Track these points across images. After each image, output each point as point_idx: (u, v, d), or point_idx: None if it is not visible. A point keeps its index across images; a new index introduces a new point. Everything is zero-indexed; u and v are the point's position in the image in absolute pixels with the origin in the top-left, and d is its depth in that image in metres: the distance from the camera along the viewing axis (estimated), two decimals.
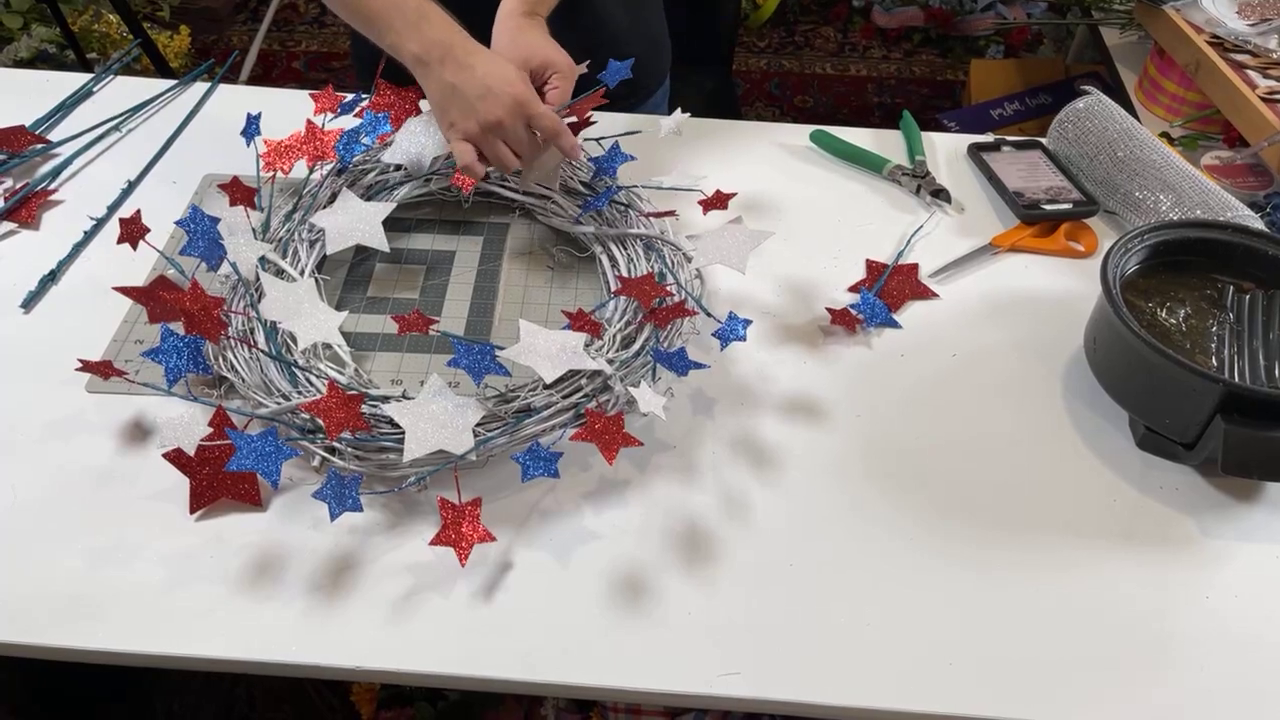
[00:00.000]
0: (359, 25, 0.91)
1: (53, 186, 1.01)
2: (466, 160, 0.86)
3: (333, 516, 0.68)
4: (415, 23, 0.86)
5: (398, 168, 0.97)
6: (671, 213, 0.93)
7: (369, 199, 0.94)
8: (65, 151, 1.05)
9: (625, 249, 0.92)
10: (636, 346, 0.81)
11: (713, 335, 0.82)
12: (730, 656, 0.67)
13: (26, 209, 0.97)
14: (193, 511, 0.73)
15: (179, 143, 1.08)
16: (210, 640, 0.66)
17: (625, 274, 0.89)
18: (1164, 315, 0.82)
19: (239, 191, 0.87)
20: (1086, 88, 1.09)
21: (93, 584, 0.69)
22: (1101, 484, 0.78)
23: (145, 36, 2.02)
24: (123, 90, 1.15)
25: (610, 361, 0.78)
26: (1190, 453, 0.77)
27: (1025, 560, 0.73)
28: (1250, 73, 1.24)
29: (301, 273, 0.87)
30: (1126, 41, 1.62)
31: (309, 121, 0.95)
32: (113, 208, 0.99)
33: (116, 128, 1.09)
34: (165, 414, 0.75)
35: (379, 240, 0.86)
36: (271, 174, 0.94)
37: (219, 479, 0.73)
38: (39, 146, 1.04)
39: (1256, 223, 0.92)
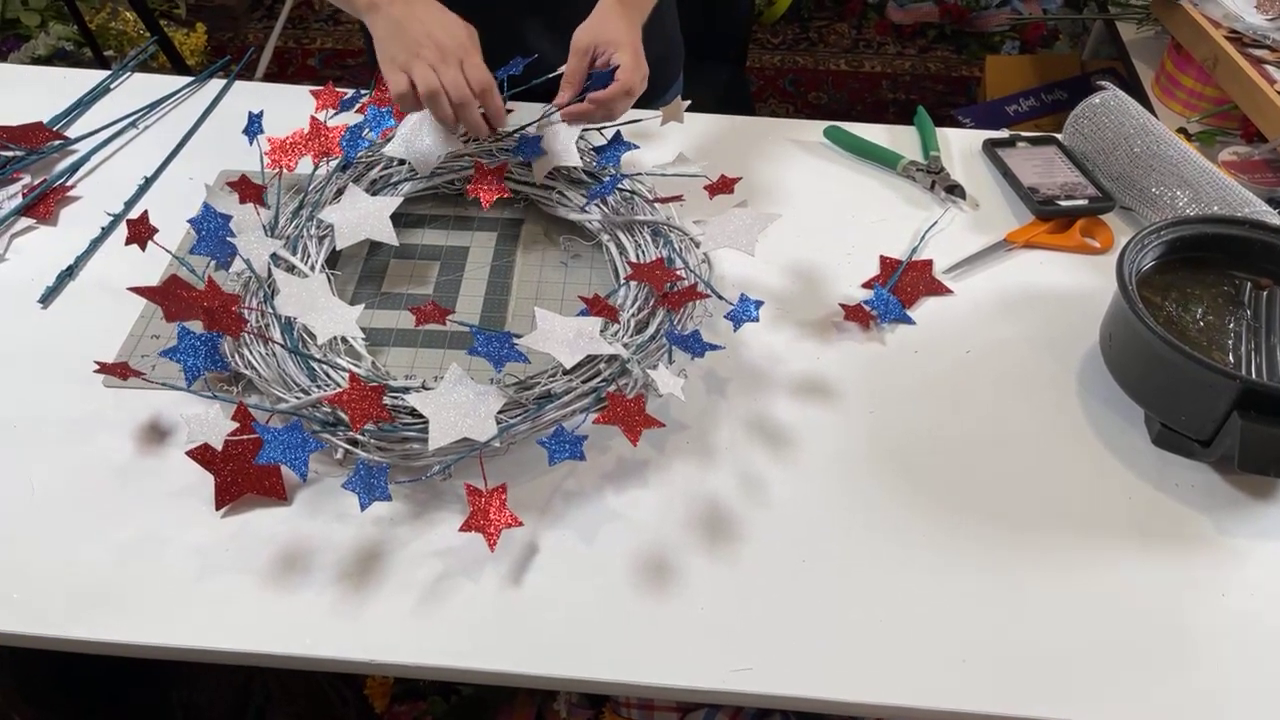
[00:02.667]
0: None
1: (70, 183, 1.02)
2: (400, 89, 0.88)
3: (363, 506, 0.68)
4: None
5: (401, 162, 0.97)
6: (678, 197, 0.94)
7: (374, 194, 0.94)
8: (83, 148, 1.06)
9: (633, 236, 0.92)
10: (651, 330, 0.81)
11: (725, 317, 0.82)
12: (743, 652, 0.67)
13: (44, 205, 0.98)
14: (219, 508, 0.73)
15: (195, 139, 1.09)
16: (236, 633, 0.67)
17: (635, 260, 0.89)
18: (1180, 312, 0.82)
19: (248, 189, 0.88)
20: (1102, 83, 1.08)
21: (115, 577, 0.69)
22: (1117, 481, 0.78)
23: (162, 34, 2.03)
24: (139, 87, 1.15)
25: (626, 346, 0.79)
26: (1206, 450, 0.76)
27: (1040, 557, 0.73)
28: (1269, 68, 1.23)
29: (312, 268, 0.87)
30: (1143, 37, 1.61)
31: (313, 118, 0.95)
32: (130, 204, 1.00)
33: (133, 124, 1.10)
34: (184, 410, 0.76)
35: (388, 234, 0.87)
36: (277, 171, 0.94)
37: (244, 474, 0.73)
38: (57, 143, 1.05)
39: (1274, 218, 0.91)
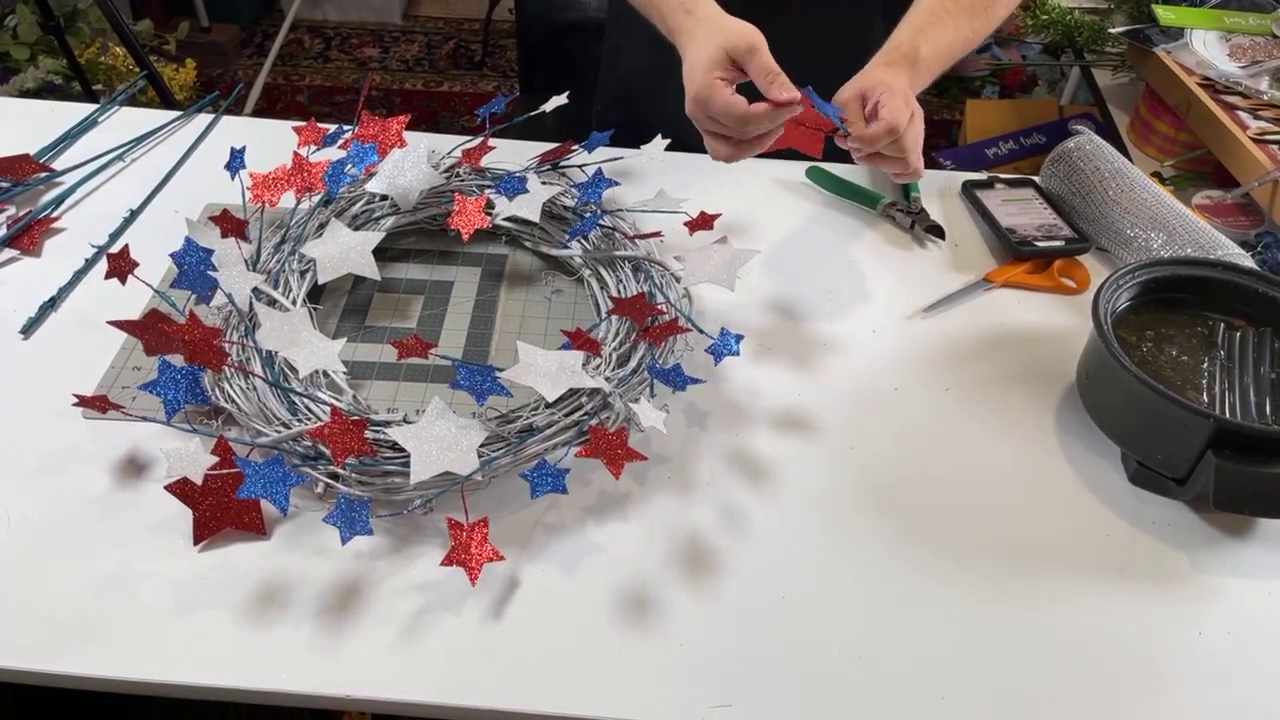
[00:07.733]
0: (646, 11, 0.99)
1: (55, 214, 1.02)
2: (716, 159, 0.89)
3: (344, 540, 0.68)
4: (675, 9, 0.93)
5: (384, 197, 0.98)
6: (657, 234, 0.95)
7: (356, 229, 0.95)
8: (69, 180, 1.06)
9: (614, 271, 0.93)
10: (633, 364, 0.82)
11: (706, 351, 0.83)
12: (722, 689, 0.66)
13: (29, 236, 0.98)
14: (197, 542, 0.73)
15: (182, 173, 1.09)
16: (212, 669, 0.66)
17: (616, 295, 0.90)
18: (1155, 351, 0.83)
19: (230, 223, 0.88)
20: (1078, 127, 1.10)
21: (91, 611, 0.69)
22: (1094, 518, 0.78)
23: (151, 69, 2.04)
24: (128, 121, 1.16)
25: (608, 379, 0.79)
26: (1182, 488, 0.77)
27: (1017, 594, 0.73)
28: (1241, 114, 1.25)
29: (294, 302, 0.88)
30: (1119, 83, 1.64)
31: (295, 153, 0.96)
32: (114, 236, 1.00)
33: (120, 157, 1.10)
34: (164, 444, 0.75)
35: (370, 269, 0.87)
36: (260, 206, 0.94)
37: (223, 508, 0.73)
38: (42, 175, 1.05)
39: (1247, 261, 0.93)
